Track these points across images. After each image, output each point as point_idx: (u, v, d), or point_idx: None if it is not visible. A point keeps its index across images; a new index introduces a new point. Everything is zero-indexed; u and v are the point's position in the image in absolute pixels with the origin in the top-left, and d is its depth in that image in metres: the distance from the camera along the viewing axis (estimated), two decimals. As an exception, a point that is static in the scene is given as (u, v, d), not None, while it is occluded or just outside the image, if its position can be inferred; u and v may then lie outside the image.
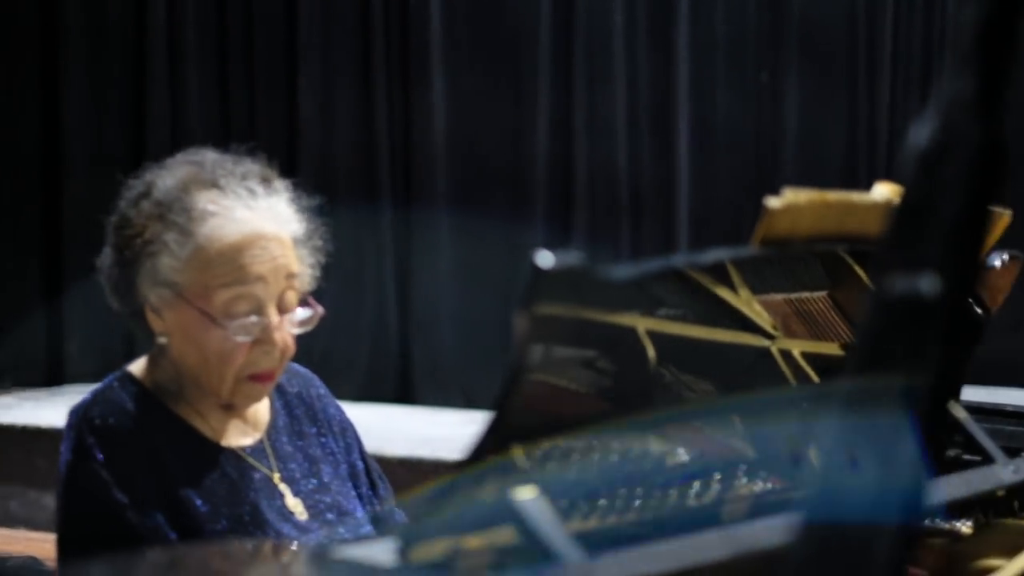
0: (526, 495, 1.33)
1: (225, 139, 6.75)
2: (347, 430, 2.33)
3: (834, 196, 1.73)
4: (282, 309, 2.09)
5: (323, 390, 2.35)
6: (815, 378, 1.95)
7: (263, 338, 2.06)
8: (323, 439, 2.26)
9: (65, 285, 7.03)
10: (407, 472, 5.15)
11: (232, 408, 2.16)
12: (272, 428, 2.21)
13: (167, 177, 2.09)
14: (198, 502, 2.00)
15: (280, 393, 2.26)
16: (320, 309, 2.15)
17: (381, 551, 1.32)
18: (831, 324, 2.02)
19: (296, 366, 2.32)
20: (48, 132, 7.23)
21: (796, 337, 1.97)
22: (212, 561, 1.37)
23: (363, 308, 6.99)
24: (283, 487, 2.15)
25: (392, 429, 5.91)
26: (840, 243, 1.89)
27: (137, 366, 2.16)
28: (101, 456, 2.01)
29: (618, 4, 6.82)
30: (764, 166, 6.55)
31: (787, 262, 1.97)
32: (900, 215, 1.00)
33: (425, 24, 6.95)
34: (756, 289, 1.91)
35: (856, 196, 1.79)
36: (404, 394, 6.81)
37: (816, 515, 0.89)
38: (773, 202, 1.59)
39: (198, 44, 7.26)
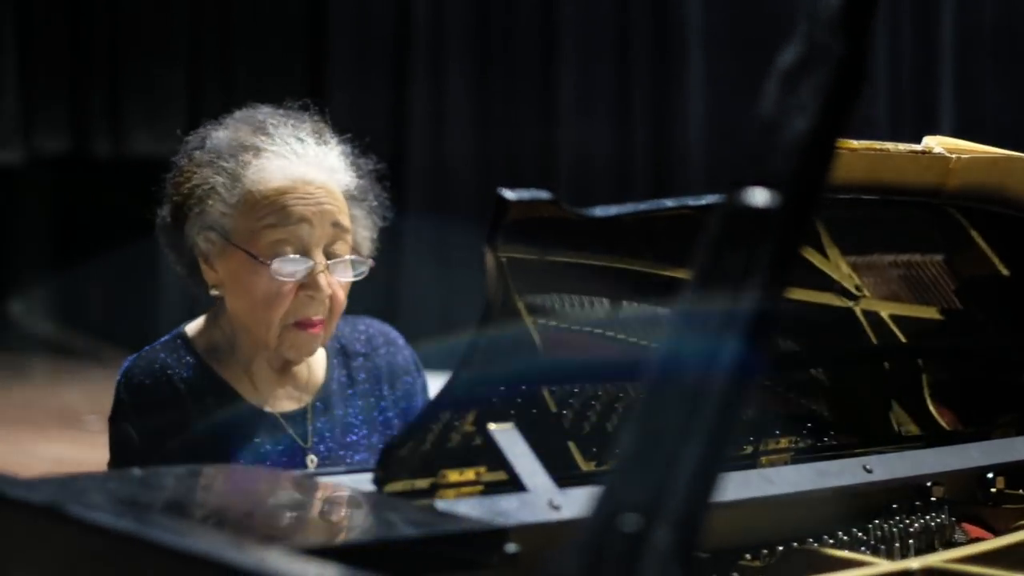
0: (500, 427, 1.38)
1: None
2: (414, 396, 2.29)
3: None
4: (331, 257, 2.11)
5: (397, 351, 2.31)
6: (902, 339, 1.93)
7: (308, 283, 2.09)
8: (381, 404, 2.26)
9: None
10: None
11: (286, 367, 2.18)
12: (323, 392, 2.22)
13: (221, 130, 2.16)
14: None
15: (341, 352, 2.26)
16: (371, 260, 2.17)
17: (362, 481, 1.38)
18: (940, 289, 1.99)
19: (372, 321, 2.33)
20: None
21: (897, 299, 1.95)
22: (233, 478, 1.45)
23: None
24: (311, 458, 2.17)
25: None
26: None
27: (193, 326, 2.21)
28: (133, 416, 2.09)
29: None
30: None
31: (897, 223, 1.95)
32: (757, 133, 1.02)
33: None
34: (849, 250, 1.89)
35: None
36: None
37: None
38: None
39: None
